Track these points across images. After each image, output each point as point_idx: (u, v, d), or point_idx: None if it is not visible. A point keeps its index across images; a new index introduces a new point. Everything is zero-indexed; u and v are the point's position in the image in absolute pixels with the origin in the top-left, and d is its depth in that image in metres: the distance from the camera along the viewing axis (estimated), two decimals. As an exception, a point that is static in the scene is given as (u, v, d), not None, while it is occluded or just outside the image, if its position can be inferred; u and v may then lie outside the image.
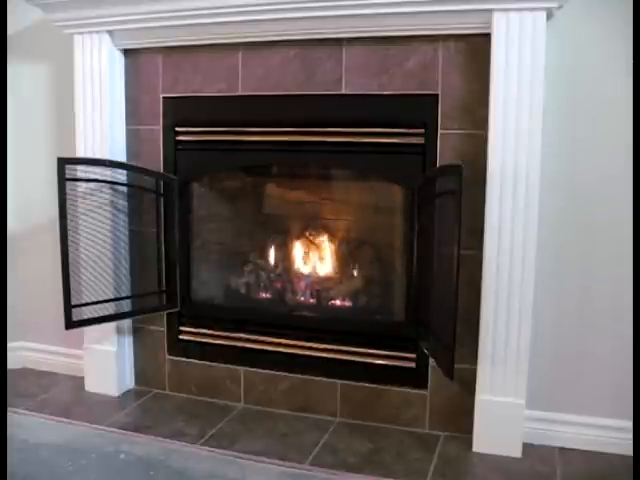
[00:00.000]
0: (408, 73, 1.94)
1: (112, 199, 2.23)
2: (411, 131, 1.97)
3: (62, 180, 1.99)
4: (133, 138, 2.28)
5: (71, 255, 2.06)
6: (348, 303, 2.34)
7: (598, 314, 1.90)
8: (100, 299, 2.19)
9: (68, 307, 2.08)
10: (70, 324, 2.10)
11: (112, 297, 2.24)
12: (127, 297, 2.29)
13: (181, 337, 2.36)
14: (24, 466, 1.74)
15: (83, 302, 2.14)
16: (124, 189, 2.26)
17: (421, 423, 2.07)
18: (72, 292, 2.08)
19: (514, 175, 1.80)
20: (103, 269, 2.23)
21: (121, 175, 2.23)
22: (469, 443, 1.95)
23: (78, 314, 2.12)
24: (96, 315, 2.17)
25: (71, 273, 2.06)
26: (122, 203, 2.27)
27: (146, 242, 2.30)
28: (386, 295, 2.34)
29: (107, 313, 2.21)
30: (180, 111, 2.22)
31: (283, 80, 2.07)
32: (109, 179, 2.20)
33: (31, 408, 2.19)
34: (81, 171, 2.10)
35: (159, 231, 2.28)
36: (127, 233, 2.30)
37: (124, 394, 2.36)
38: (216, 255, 2.47)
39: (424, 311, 1.99)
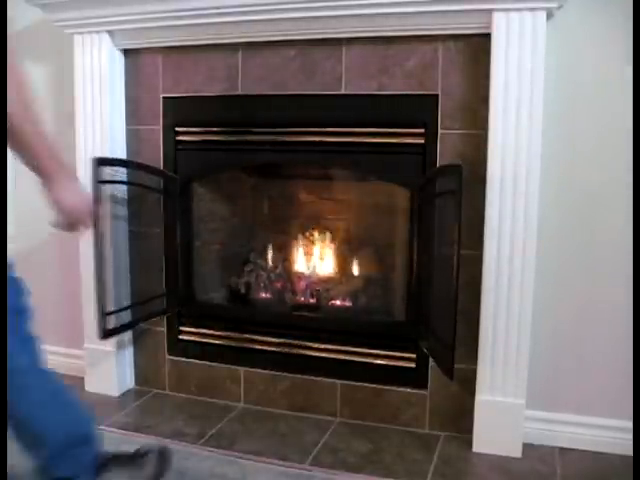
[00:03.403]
0: (408, 73, 1.94)
1: (123, 201, 2.25)
2: (411, 131, 1.97)
3: (96, 181, 1.99)
4: (133, 138, 2.28)
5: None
6: (348, 303, 2.34)
7: (598, 314, 1.90)
8: (123, 304, 2.20)
9: (102, 316, 2.07)
10: (105, 333, 2.10)
11: (130, 301, 2.25)
12: (150, 299, 2.29)
13: (181, 337, 2.36)
14: (24, 467, 1.74)
15: (113, 310, 2.13)
16: (127, 191, 2.26)
17: (421, 423, 2.07)
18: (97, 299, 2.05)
19: (514, 175, 1.80)
20: (120, 272, 2.24)
21: (121, 174, 2.23)
22: (469, 443, 1.95)
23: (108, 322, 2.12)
24: (124, 321, 2.19)
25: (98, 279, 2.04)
26: (134, 205, 2.28)
27: (159, 243, 2.31)
28: (386, 295, 2.34)
29: (129, 318, 2.22)
30: (180, 111, 2.22)
31: (283, 80, 2.07)
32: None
33: (31, 408, 2.19)
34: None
35: (169, 232, 2.29)
36: (139, 235, 2.30)
37: (124, 394, 2.36)
38: (216, 255, 2.47)
39: (424, 311, 1.99)
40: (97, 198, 1.97)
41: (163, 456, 1.57)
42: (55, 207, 1.34)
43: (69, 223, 1.37)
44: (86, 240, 2.20)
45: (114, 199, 2.23)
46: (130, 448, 1.60)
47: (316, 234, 2.42)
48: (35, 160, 1.30)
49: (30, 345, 1.37)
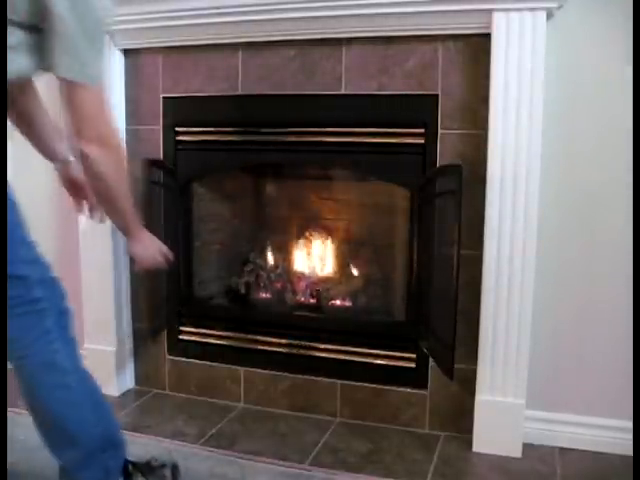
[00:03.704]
0: (408, 73, 1.94)
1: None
2: (411, 131, 1.97)
3: (149, 182, 2.04)
4: (133, 138, 2.27)
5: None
6: (348, 303, 2.34)
7: (598, 314, 1.90)
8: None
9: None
10: (158, 330, 2.26)
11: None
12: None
13: (181, 337, 2.36)
14: (24, 466, 1.74)
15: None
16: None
17: (421, 423, 2.07)
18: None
19: (514, 175, 1.80)
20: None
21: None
22: (469, 443, 1.95)
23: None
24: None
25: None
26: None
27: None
28: (386, 295, 2.34)
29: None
30: (180, 111, 2.22)
31: (283, 80, 2.07)
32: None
33: (31, 408, 2.19)
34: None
35: (169, 232, 2.28)
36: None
37: (124, 394, 2.36)
38: (216, 255, 2.47)
39: (424, 311, 1.99)
40: (149, 199, 2.07)
41: (175, 472, 1.61)
42: (134, 258, 1.60)
43: (145, 268, 1.64)
44: (88, 238, 2.21)
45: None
46: (131, 448, 1.60)
47: (316, 234, 2.42)
48: (121, 219, 1.49)
49: (72, 346, 1.40)
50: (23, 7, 1.19)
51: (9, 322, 1.29)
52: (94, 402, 1.44)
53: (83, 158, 1.31)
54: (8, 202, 1.29)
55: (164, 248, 1.63)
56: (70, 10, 1.18)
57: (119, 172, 1.37)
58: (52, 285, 1.37)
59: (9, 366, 1.36)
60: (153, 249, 1.60)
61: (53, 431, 1.40)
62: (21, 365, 1.35)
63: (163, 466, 1.58)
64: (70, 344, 1.40)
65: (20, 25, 1.20)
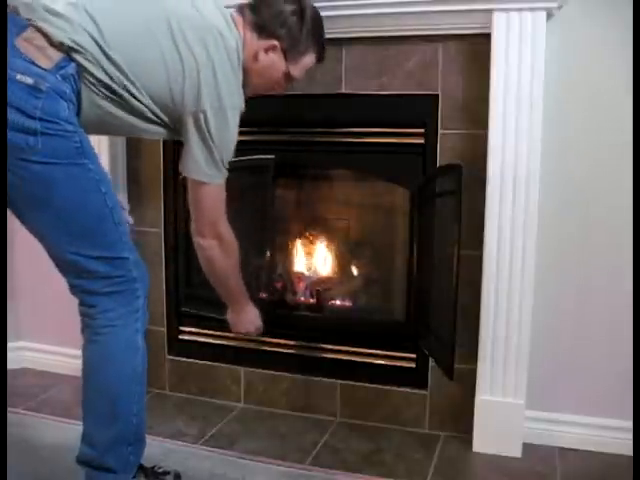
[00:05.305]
0: (408, 73, 1.94)
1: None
2: (411, 131, 1.97)
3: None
4: (133, 138, 2.27)
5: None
6: (348, 303, 2.34)
7: (598, 314, 1.90)
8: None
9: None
10: None
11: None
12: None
13: (181, 337, 2.36)
14: (24, 466, 1.74)
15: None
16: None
17: (421, 423, 2.07)
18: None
19: (514, 175, 1.80)
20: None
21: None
22: (469, 443, 1.95)
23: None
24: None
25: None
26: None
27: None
28: (386, 295, 2.34)
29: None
30: (180, 111, 2.21)
31: (283, 80, 2.06)
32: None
33: (31, 408, 2.19)
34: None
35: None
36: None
37: (124, 394, 2.36)
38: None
39: (424, 311, 1.99)
40: None
41: None
42: (230, 325, 1.84)
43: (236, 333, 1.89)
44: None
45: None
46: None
47: (316, 234, 2.42)
48: (227, 296, 1.78)
49: (145, 329, 1.49)
50: (168, 115, 1.46)
51: (107, 296, 1.40)
52: (143, 389, 1.49)
53: (200, 248, 1.59)
54: (104, 181, 1.39)
55: (258, 323, 1.84)
56: (215, 130, 1.51)
57: (230, 261, 1.65)
58: (142, 268, 1.48)
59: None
60: (247, 322, 1.82)
61: (102, 403, 1.44)
62: (103, 333, 1.42)
63: (166, 473, 1.61)
64: (145, 327, 1.48)
65: (161, 123, 1.47)
